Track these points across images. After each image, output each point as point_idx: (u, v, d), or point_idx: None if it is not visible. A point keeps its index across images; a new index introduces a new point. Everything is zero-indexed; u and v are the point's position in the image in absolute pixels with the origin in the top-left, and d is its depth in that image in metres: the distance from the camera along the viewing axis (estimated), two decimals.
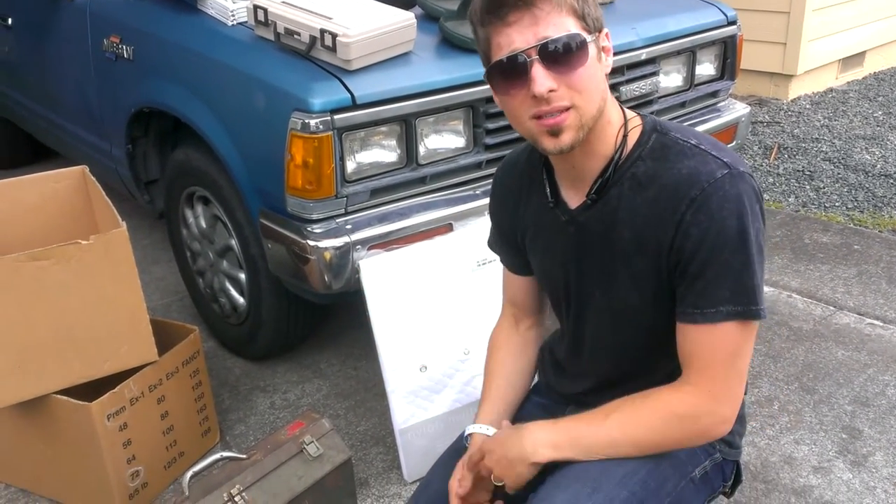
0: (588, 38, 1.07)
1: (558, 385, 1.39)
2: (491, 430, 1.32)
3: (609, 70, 1.14)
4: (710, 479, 1.26)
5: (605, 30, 1.13)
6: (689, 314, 1.12)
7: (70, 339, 1.80)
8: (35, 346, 1.77)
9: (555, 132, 1.08)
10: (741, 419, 1.32)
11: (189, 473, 1.61)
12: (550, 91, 1.06)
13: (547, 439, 1.17)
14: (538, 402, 1.42)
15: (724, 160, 1.10)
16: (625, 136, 1.15)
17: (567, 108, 1.07)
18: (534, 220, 1.30)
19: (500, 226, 1.39)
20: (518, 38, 1.06)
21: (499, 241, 1.42)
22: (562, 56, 1.05)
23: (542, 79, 1.05)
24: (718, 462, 1.27)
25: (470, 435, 1.33)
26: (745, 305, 1.09)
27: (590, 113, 1.09)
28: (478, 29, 1.12)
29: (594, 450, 1.15)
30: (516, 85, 1.08)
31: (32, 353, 1.77)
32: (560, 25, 1.06)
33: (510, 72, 1.08)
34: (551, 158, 1.22)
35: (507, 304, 1.47)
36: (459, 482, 1.26)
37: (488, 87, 2.09)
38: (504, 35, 1.07)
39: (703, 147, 1.12)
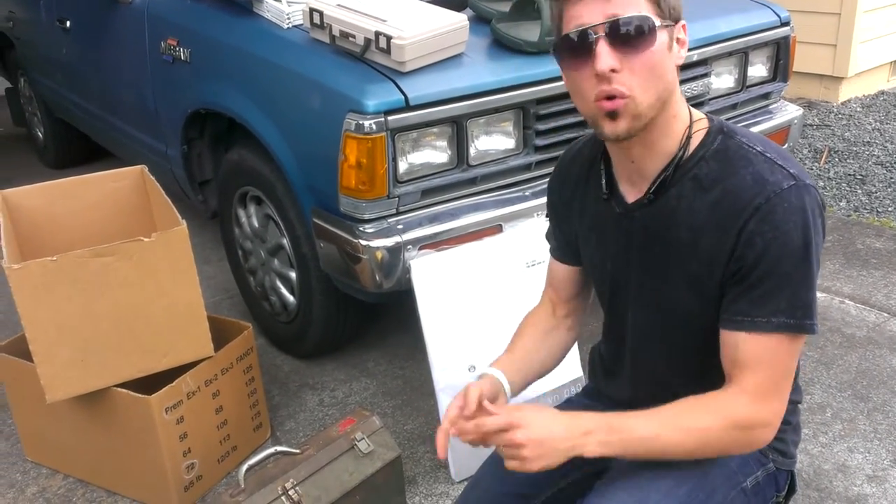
0: (658, 22, 1.05)
1: (608, 389, 1.39)
2: (504, 378, 1.27)
3: (681, 62, 1.11)
4: (762, 490, 1.23)
5: (683, 21, 1.11)
6: (738, 321, 1.10)
7: (130, 334, 1.85)
8: (97, 340, 1.82)
9: (612, 115, 1.07)
10: (796, 428, 1.30)
11: (245, 466, 1.64)
12: (612, 70, 1.04)
13: (600, 436, 1.10)
14: (587, 405, 1.41)
15: (791, 171, 1.08)
16: (689, 136, 1.13)
17: (626, 95, 1.06)
18: (589, 211, 1.28)
19: (555, 207, 1.38)
20: (587, 13, 1.05)
21: (552, 223, 1.40)
22: (629, 37, 1.04)
23: (605, 56, 1.04)
24: (771, 472, 1.25)
25: (482, 375, 1.28)
26: (798, 319, 1.08)
27: (647, 102, 1.07)
28: (552, 2, 1.12)
29: (648, 453, 1.12)
30: (581, 61, 1.07)
31: (95, 347, 1.82)
32: (631, 5, 1.04)
33: (576, 47, 1.07)
34: (610, 150, 1.20)
35: (546, 289, 1.45)
36: (459, 410, 1.15)
37: (538, 88, 2.11)
38: (574, 9, 1.07)
39: (769, 155, 1.10)
